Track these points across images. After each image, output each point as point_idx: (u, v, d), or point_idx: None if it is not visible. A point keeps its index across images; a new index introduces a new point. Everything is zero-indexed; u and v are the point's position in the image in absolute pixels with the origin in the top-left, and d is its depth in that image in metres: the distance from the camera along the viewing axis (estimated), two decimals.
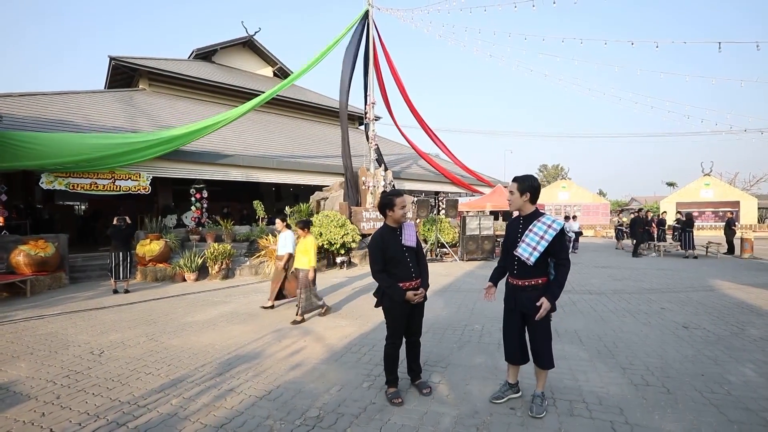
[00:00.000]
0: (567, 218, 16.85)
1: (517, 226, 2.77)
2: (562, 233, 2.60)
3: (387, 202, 2.93)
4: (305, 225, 5.52)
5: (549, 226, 2.60)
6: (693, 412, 2.69)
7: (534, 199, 2.72)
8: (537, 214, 2.71)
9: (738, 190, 28.67)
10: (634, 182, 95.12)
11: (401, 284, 2.84)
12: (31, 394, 3.14)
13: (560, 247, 2.61)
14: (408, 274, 2.87)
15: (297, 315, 5.23)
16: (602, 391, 3.04)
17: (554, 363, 2.75)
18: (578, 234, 15.84)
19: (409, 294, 2.82)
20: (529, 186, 2.69)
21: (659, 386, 3.10)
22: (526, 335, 2.82)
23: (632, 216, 14.40)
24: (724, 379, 3.22)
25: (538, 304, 2.58)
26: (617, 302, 6.07)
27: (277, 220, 6.13)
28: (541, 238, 2.58)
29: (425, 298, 3.01)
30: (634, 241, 13.32)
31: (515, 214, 2.93)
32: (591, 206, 27.37)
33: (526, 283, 2.68)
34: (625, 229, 16.78)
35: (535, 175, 2.80)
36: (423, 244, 9.29)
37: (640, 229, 13.24)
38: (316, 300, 5.44)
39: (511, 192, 2.76)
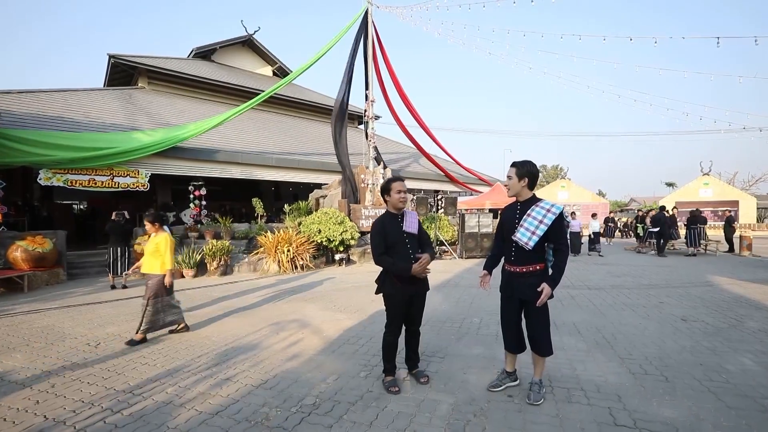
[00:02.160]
0: (573, 215, 15.39)
1: (514, 211, 2.74)
2: (561, 217, 2.57)
3: (384, 186, 2.94)
4: (156, 219, 4.41)
5: (548, 210, 2.57)
6: (691, 399, 2.67)
7: (532, 185, 2.70)
8: (534, 200, 2.69)
9: (737, 190, 28.67)
10: (634, 182, 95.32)
11: None
12: (26, 383, 3.12)
13: (559, 231, 2.58)
14: (408, 260, 2.84)
15: (136, 333, 4.15)
16: (600, 379, 3.03)
17: (553, 350, 2.73)
18: (598, 234, 13.27)
19: (415, 266, 2.75)
20: (527, 171, 2.68)
21: (658, 375, 3.08)
22: (523, 323, 2.81)
23: (658, 214, 12.92)
24: (722, 368, 3.21)
25: (539, 289, 2.54)
26: (616, 296, 6.06)
27: (146, 221, 4.52)
28: (540, 222, 2.56)
29: (427, 287, 2.98)
30: (650, 240, 12.89)
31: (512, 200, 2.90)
32: (590, 206, 27.34)
33: (524, 270, 2.65)
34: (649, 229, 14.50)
35: (534, 162, 2.77)
36: None
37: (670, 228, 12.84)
38: (168, 314, 4.34)
39: (509, 177, 2.73)
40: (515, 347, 2.83)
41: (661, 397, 2.72)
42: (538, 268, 2.64)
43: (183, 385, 3.04)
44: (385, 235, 2.84)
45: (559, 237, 2.59)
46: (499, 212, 2.96)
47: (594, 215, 13.85)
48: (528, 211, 2.63)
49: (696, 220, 12.47)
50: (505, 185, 2.80)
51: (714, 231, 22.08)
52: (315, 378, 3.14)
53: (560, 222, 2.57)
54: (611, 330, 4.32)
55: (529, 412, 2.54)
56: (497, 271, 2.90)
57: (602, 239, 18.23)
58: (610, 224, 18.77)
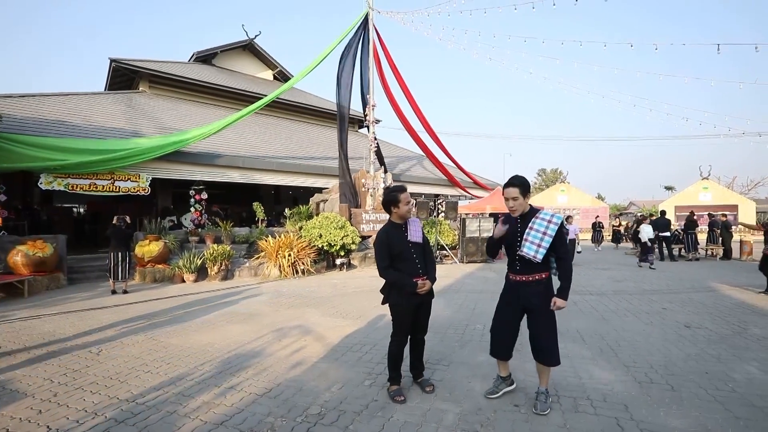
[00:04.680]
0: (568, 219, 12.25)
1: (514, 225, 2.74)
2: (561, 227, 2.62)
3: (392, 198, 2.87)
4: None
5: (549, 222, 2.60)
6: (698, 409, 2.66)
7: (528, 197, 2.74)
8: (533, 212, 2.71)
9: (736, 194, 28.76)
10: (633, 186, 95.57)
11: None
12: (27, 392, 3.10)
13: (560, 241, 2.62)
14: (415, 270, 2.84)
15: None
16: (606, 388, 3.01)
17: (560, 360, 2.71)
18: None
19: (420, 285, 2.78)
20: (528, 187, 2.69)
21: (663, 384, 3.07)
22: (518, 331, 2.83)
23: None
24: (728, 376, 3.20)
25: (554, 308, 2.61)
26: (618, 302, 6.05)
27: None
28: (544, 234, 2.58)
29: (432, 295, 2.98)
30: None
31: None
32: (590, 209, 27.42)
33: (530, 279, 2.67)
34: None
35: (523, 175, 2.76)
36: None
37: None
38: None
39: (514, 198, 2.64)
40: (501, 353, 2.82)
41: (668, 406, 2.71)
42: (543, 276, 2.67)
43: (187, 394, 3.02)
44: (389, 246, 2.83)
45: (561, 246, 2.62)
46: (499, 221, 2.93)
47: (644, 218, 11.54)
48: (529, 224, 2.64)
49: (695, 224, 12.49)
50: (511, 208, 2.69)
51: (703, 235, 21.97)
52: (319, 386, 3.12)
53: (561, 232, 2.61)
54: (615, 337, 4.30)
55: (536, 422, 2.52)
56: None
57: (596, 246, 17.01)
58: (599, 228, 17.97)
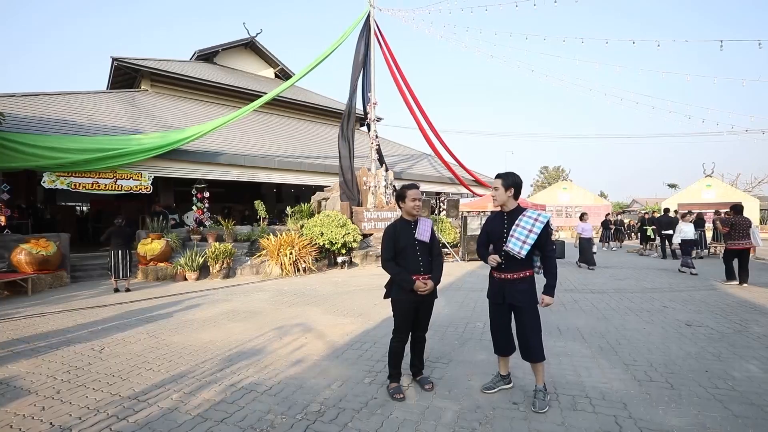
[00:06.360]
0: (583, 217, 10.69)
1: (501, 221, 2.82)
2: (547, 225, 2.69)
3: (399, 194, 2.99)
4: None
5: (536, 220, 2.67)
6: (697, 407, 2.67)
7: (517, 195, 2.81)
8: (520, 210, 2.78)
9: (740, 192, 28.59)
10: (636, 184, 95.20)
11: None
12: (31, 389, 3.13)
13: (546, 239, 2.69)
14: (417, 267, 2.86)
15: None
16: (605, 386, 3.02)
17: (545, 355, 2.76)
18: (691, 243, 9.27)
19: (418, 283, 2.80)
20: (512, 182, 2.77)
21: (663, 382, 3.08)
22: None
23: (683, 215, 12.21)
24: (728, 375, 3.20)
25: (542, 305, 2.69)
26: (619, 301, 6.04)
27: None
28: (530, 231, 2.65)
29: (435, 295, 3.00)
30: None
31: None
32: (592, 207, 27.33)
33: (515, 276, 2.74)
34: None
35: (517, 173, 2.84)
36: None
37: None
38: None
39: (495, 188, 2.81)
40: (506, 350, 2.91)
41: (666, 404, 2.71)
42: (527, 273, 2.75)
43: (188, 391, 3.04)
44: (395, 240, 2.88)
45: (547, 244, 2.70)
46: (484, 221, 3.01)
47: (684, 216, 9.70)
48: (516, 221, 2.71)
49: (704, 222, 12.48)
50: (492, 196, 2.88)
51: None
52: (319, 384, 3.15)
53: (547, 230, 2.67)
54: (615, 335, 4.30)
55: (534, 420, 2.53)
56: (484, 273, 2.91)
57: (603, 245, 16.07)
58: (610, 226, 17.70)
